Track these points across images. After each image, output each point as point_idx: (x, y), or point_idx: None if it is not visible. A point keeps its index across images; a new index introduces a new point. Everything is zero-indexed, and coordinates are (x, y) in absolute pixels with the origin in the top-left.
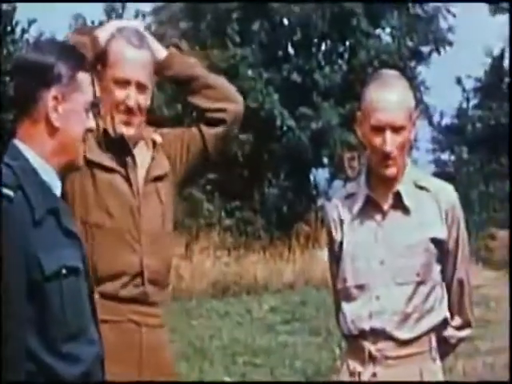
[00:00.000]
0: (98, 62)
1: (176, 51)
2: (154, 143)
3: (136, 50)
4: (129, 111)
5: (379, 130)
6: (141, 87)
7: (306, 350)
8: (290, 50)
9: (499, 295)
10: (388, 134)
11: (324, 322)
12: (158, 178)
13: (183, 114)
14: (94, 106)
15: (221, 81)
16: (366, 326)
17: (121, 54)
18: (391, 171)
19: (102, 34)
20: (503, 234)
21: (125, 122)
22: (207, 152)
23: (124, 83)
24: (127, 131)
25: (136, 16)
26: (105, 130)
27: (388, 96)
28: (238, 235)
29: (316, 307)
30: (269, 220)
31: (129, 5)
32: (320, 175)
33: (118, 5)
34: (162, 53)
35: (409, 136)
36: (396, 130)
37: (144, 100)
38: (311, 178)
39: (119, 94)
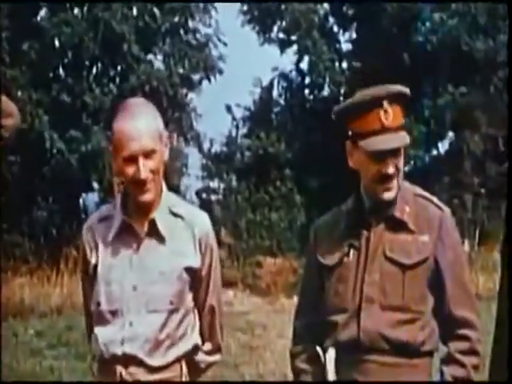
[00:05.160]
0: None
1: None
2: None
3: None
4: None
5: (131, 159)
6: None
7: (71, 374)
8: (61, 72)
9: (265, 322)
10: (141, 163)
11: (90, 347)
12: None
13: None
14: None
15: None
16: (119, 351)
17: None
18: (147, 197)
19: None
20: (269, 261)
21: None
22: None
23: None
24: None
25: None
26: None
27: (135, 125)
28: (6, 258)
29: (82, 332)
30: (37, 243)
31: None
32: (89, 199)
33: None
34: None
35: (162, 159)
36: (147, 155)
37: None
38: (80, 201)
39: None
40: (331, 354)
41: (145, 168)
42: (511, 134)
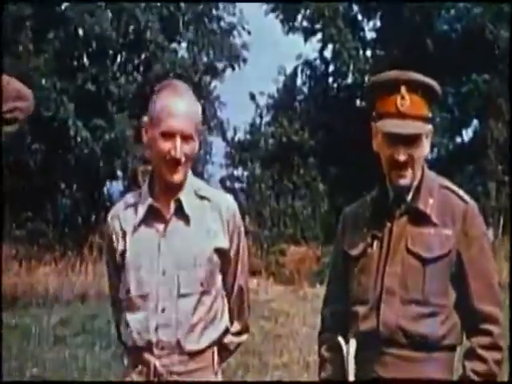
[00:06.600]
0: None
1: None
2: None
3: None
4: None
5: (169, 136)
6: None
7: (95, 363)
8: (85, 61)
9: (288, 310)
10: (178, 141)
11: (115, 335)
12: None
13: None
14: None
15: (9, 81)
16: (153, 338)
17: None
18: (178, 177)
19: None
20: (293, 249)
21: None
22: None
23: None
24: None
25: None
26: None
27: (181, 105)
28: (30, 246)
29: (107, 320)
30: (62, 231)
31: None
32: (114, 187)
33: None
34: None
35: (195, 146)
36: (185, 138)
37: None
38: (105, 189)
39: None
40: (352, 344)
41: (181, 149)
42: None
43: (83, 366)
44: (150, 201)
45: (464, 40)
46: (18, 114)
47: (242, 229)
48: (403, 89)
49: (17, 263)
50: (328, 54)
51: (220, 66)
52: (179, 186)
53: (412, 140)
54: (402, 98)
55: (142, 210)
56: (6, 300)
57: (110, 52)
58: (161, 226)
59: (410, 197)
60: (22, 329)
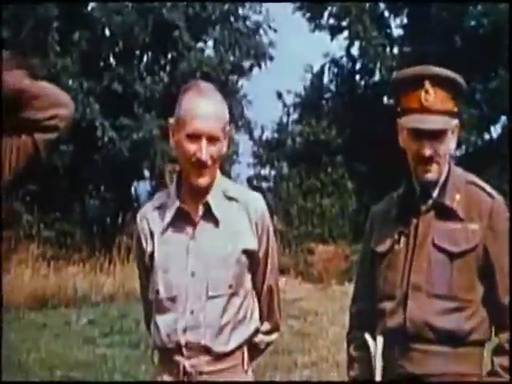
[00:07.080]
0: None
1: None
2: None
3: None
4: None
5: (195, 138)
6: None
7: (124, 363)
8: (112, 61)
9: (317, 308)
10: (204, 143)
11: (143, 335)
12: None
13: None
14: None
15: (47, 88)
16: (182, 340)
17: None
18: (205, 180)
19: None
20: (321, 248)
21: None
22: (39, 155)
23: None
24: None
25: None
26: None
27: (206, 106)
28: (58, 247)
29: (135, 320)
30: (90, 232)
31: None
32: (141, 187)
33: None
34: None
35: (222, 148)
36: (212, 140)
37: None
38: (132, 190)
39: None
40: (379, 341)
41: (207, 150)
42: None
43: (112, 366)
44: (177, 203)
45: (492, 36)
46: (58, 122)
47: (271, 229)
48: (427, 83)
49: (45, 264)
50: (355, 51)
51: (247, 64)
52: (206, 189)
53: (437, 135)
54: (427, 92)
55: (170, 212)
56: (35, 301)
57: (137, 52)
58: (189, 229)
59: (436, 192)
60: (50, 329)
